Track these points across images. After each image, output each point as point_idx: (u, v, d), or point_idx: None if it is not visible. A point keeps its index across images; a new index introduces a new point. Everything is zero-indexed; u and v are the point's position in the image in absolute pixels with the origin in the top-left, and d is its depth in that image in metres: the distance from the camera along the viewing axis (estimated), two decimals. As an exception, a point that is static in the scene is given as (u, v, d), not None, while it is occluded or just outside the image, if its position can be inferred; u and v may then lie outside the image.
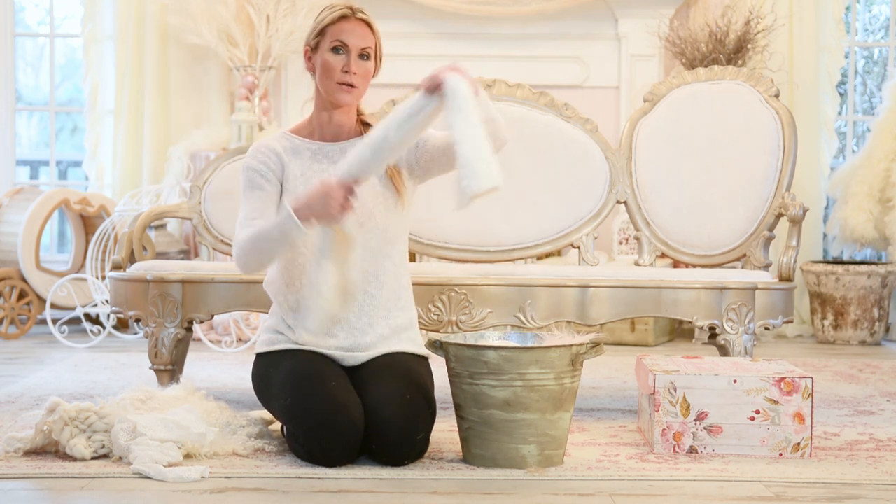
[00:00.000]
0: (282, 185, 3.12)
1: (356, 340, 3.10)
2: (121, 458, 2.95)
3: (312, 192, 2.92)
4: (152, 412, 3.05)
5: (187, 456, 2.97)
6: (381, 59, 3.18)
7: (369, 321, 3.11)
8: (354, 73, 3.09)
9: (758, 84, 4.00)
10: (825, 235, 6.03)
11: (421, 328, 3.55)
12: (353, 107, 3.18)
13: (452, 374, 2.98)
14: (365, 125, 3.19)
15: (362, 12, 3.14)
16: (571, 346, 2.92)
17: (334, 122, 3.16)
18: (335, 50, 3.09)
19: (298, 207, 2.91)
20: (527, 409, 2.89)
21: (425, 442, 2.99)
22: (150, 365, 3.71)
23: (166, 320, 3.67)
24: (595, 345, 2.96)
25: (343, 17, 3.10)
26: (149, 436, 2.92)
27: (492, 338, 3.13)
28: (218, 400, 3.33)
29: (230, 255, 3.97)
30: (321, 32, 3.12)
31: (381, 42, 3.17)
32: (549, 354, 2.89)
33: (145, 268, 3.72)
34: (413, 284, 3.48)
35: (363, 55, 3.11)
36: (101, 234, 5.48)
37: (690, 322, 3.67)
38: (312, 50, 3.14)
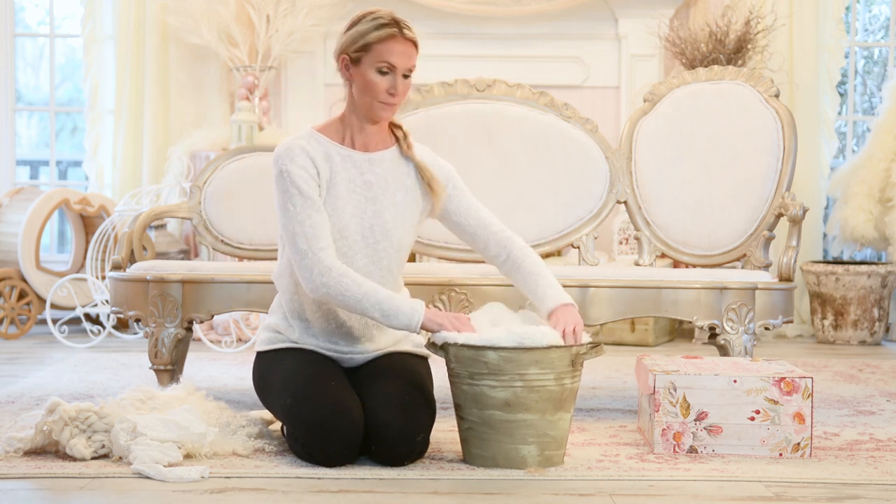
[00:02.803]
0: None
1: (357, 347, 3.12)
2: (121, 458, 2.95)
3: (444, 318, 2.96)
4: (152, 412, 3.05)
5: (187, 456, 2.97)
6: None
7: (370, 336, 3.13)
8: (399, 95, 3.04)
9: (758, 84, 3.99)
10: (825, 235, 6.03)
11: (421, 328, 3.55)
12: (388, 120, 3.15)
13: (452, 375, 2.98)
14: (395, 128, 3.15)
15: (409, 29, 3.03)
16: (571, 346, 2.92)
17: (366, 131, 3.10)
18: (381, 71, 3.01)
19: (428, 320, 2.94)
20: (527, 409, 2.89)
21: (425, 442, 2.99)
22: (150, 365, 3.71)
23: (166, 320, 3.67)
24: (595, 345, 2.96)
25: (392, 38, 2.99)
26: (149, 436, 2.92)
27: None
28: (218, 400, 3.33)
29: (230, 255, 3.98)
30: (365, 48, 3.00)
31: None
32: (549, 355, 2.89)
33: (145, 268, 3.72)
34: (413, 284, 3.49)
35: (406, 74, 3.04)
36: (101, 234, 5.48)
37: (690, 322, 3.66)
38: (352, 62, 3.03)
